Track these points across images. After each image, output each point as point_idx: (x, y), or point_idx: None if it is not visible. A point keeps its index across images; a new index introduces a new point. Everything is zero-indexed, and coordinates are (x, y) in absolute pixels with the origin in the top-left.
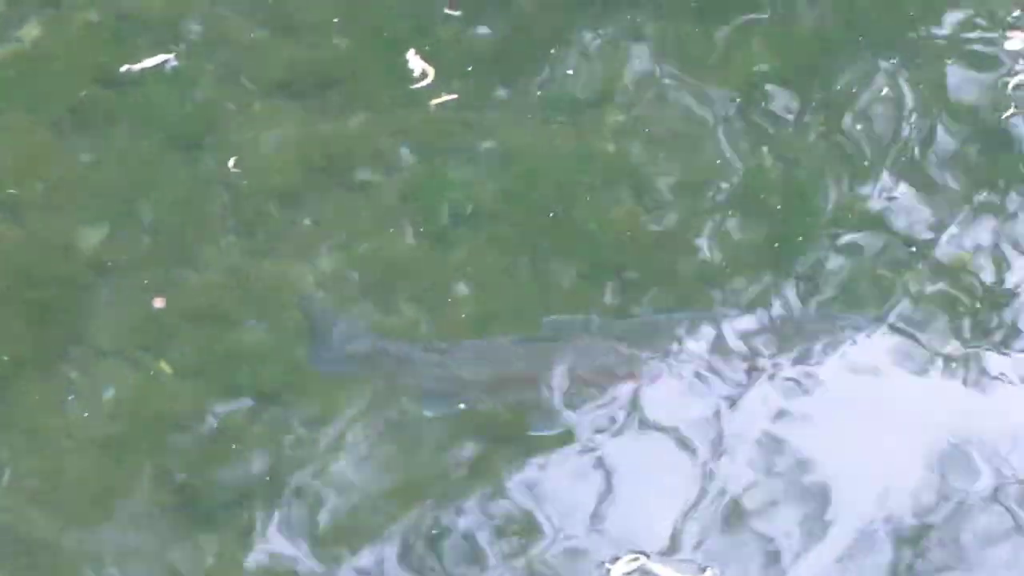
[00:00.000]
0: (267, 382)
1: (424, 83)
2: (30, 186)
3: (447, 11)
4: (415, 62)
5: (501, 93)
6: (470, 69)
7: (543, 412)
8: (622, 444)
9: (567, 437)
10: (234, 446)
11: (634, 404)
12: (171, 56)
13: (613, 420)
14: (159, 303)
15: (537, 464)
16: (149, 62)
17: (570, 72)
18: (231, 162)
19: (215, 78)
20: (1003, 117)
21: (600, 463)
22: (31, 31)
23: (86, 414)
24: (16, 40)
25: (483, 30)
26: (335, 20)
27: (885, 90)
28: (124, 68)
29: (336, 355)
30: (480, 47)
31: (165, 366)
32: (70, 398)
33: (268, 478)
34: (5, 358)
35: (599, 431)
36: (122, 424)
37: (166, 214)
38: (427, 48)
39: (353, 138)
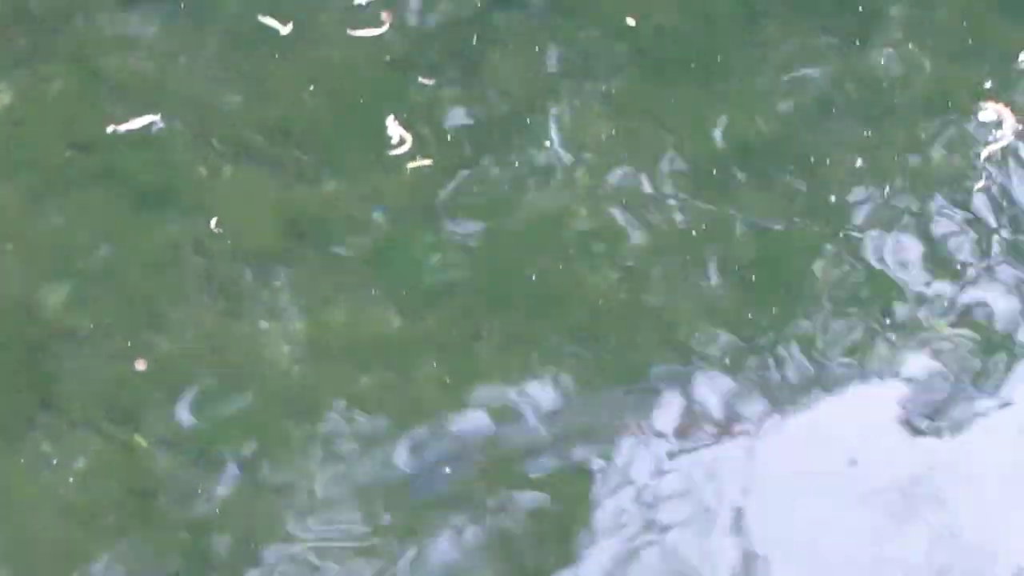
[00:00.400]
0: (241, 448)
1: (402, 150)
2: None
3: (422, 80)
4: (394, 128)
5: (475, 159)
6: (444, 135)
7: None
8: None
9: None
10: (216, 511)
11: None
12: (157, 118)
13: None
14: (140, 365)
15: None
16: (136, 123)
17: (543, 138)
18: (212, 222)
19: (189, 141)
20: (976, 188)
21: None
22: (3, 95)
23: (56, 481)
24: None
25: (457, 98)
26: (311, 87)
27: (859, 162)
28: (110, 129)
29: (437, 480)
30: (454, 114)
31: (140, 439)
32: (40, 465)
33: (245, 545)
34: None
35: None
36: (93, 492)
37: (138, 278)
38: (405, 116)
39: (327, 203)
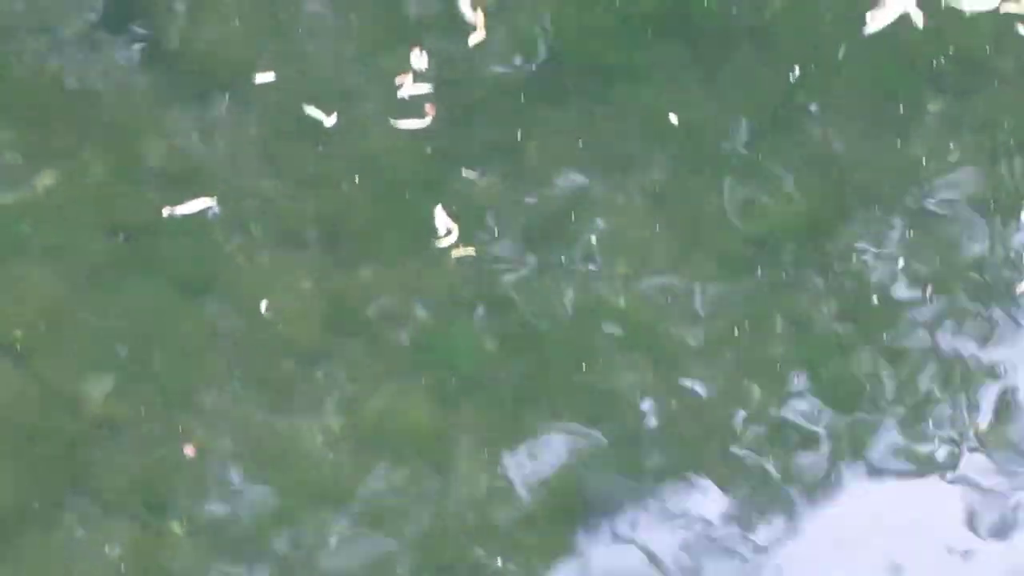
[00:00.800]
0: (277, 538)
1: (448, 240)
2: (38, 334)
3: (465, 172)
4: (441, 219)
5: (517, 251)
6: (486, 227)
7: None
8: None
9: None
10: None
11: None
12: (213, 203)
13: None
14: (190, 451)
15: None
16: (191, 207)
17: (585, 231)
18: (263, 305)
19: (230, 229)
20: (1019, 291)
21: None
22: (45, 180)
23: (91, 568)
24: (30, 189)
25: (500, 190)
26: (354, 177)
27: (901, 262)
28: (166, 213)
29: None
30: (496, 206)
31: (175, 527)
32: (73, 550)
33: None
34: (7, 510)
35: None
36: None
37: (174, 365)
38: (453, 208)
39: (368, 293)
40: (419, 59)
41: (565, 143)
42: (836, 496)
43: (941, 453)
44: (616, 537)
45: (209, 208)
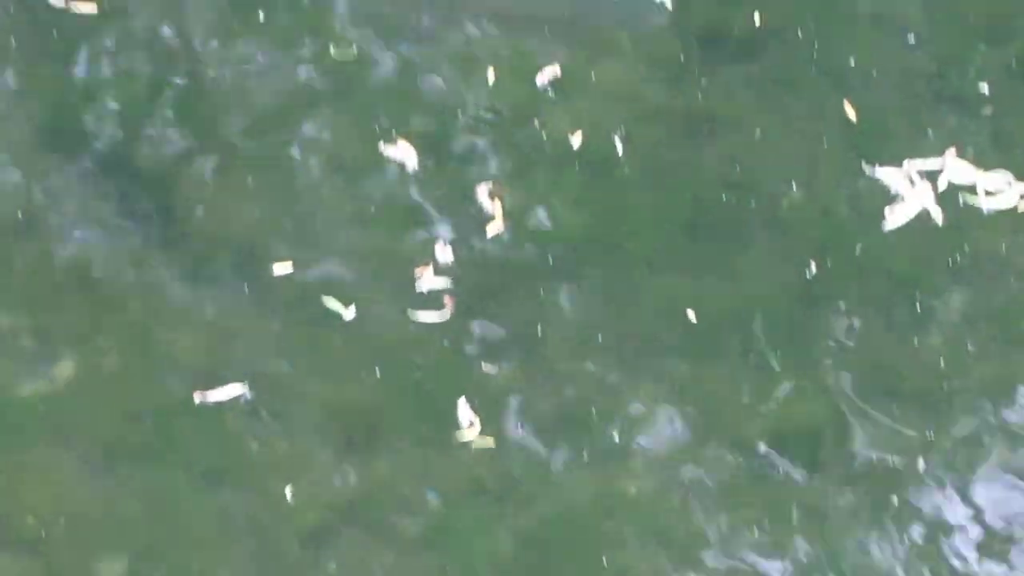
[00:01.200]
0: None
1: (471, 433)
2: (52, 520)
3: (484, 366)
4: (464, 411)
5: (536, 442)
6: (505, 419)
7: None
8: None
9: None
10: None
11: None
12: (245, 390)
13: None
14: None
15: None
16: (223, 393)
17: (602, 421)
18: (288, 491)
19: (246, 417)
20: None
21: None
22: (63, 370)
23: None
24: (48, 378)
25: (518, 383)
26: (373, 368)
27: (921, 464)
28: (198, 399)
29: None
30: (515, 399)
31: None
32: None
33: None
34: None
35: None
36: None
37: (189, 554)
38: (477, 401)
39: (382, 482)
40: (443, 252)
41: (584, 334)
42: None
43: None
44: None
45: (242, 395)
